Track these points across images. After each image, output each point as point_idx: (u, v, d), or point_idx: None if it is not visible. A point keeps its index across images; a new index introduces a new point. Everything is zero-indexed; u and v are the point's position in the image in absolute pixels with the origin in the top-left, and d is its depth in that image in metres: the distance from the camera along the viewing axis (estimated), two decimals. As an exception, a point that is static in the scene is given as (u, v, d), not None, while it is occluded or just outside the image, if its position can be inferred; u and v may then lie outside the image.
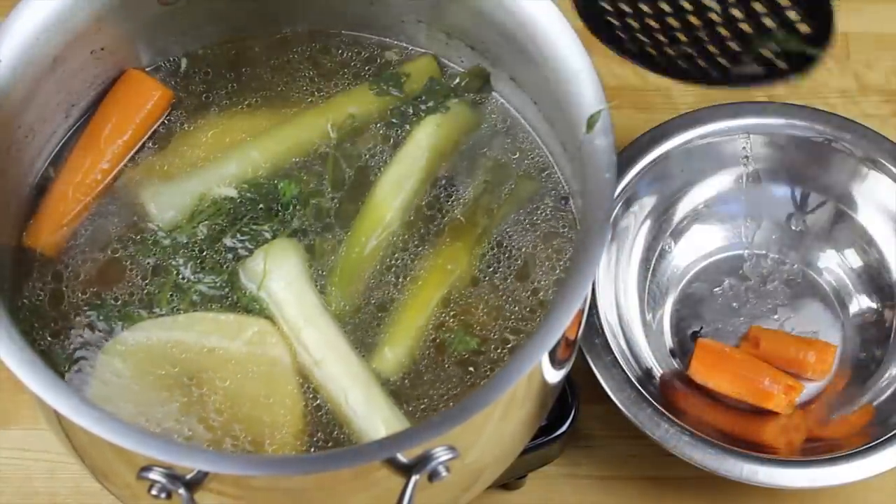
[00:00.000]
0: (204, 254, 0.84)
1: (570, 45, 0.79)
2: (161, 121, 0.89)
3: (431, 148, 0.88)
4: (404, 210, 0.86)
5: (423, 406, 0.80)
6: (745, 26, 0.77)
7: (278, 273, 0.83)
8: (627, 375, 0.95)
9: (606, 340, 0.96)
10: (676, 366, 1.02)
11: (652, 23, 0.78)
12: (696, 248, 1.07)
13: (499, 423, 0.75)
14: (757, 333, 1.02)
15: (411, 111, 0.90)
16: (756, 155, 1.05)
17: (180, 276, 0.83)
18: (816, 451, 0.94)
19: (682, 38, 0.78)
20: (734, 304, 1.05)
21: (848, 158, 1.04)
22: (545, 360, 0.74)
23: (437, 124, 0.89)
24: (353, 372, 0.80)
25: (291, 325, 0.82)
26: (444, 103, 0.90)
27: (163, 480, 0.68)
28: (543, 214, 0.87)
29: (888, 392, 0.99)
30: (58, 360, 0.80)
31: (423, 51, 0.92)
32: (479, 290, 0.84)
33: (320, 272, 0.84)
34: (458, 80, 0.91)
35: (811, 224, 1.07)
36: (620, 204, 1.02)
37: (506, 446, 0.81)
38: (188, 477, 0.68)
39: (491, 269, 0.85)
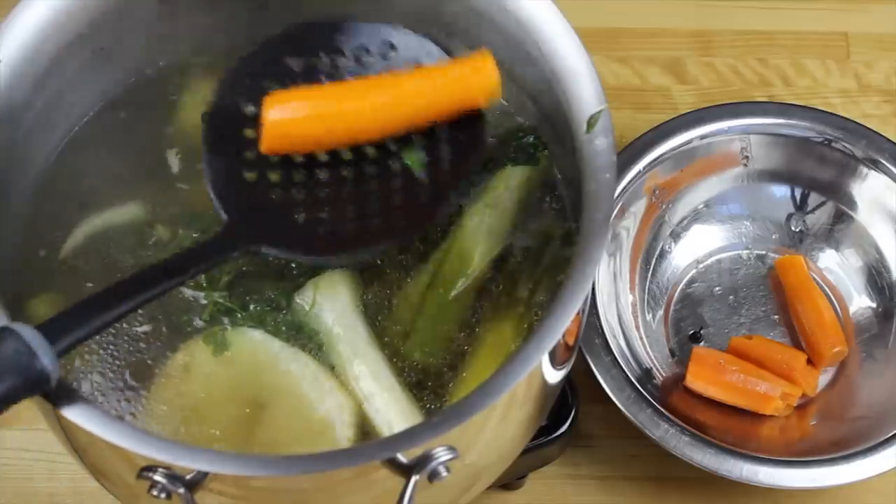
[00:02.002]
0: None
1: (570, 44, 0.79)
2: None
3: (521, 199, 0.85)
4: (487, 264, 0.84)
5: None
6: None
7: (329, 305, 0.82)
8: (627, 375, 0.95)
9: (606, 340, 0.96)
10: (676, 366, 1.02)
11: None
12: (696, 248, 1.07)
13: (499, 423, 0.75)
14: (754, 337, 1.02)
15: (496, 156, 0.86)
16: (756, 155, 1.05)
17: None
18: (816, 451, 0.94)
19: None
20: (734, 305, 1.05)
21: (848, 158, 1.04)
22: (545, 360, 0.73)
23: (528, 176, 0.86)
24: (401, 410, 0.80)
25: (340, 357, 0.81)
26: (535, 155, 0.87)
27: (163, 480, 0.68)
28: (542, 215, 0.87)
29: (888, 392, 0.99)
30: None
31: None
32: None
33: (379, 309, 0.83)
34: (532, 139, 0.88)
35: (811, 224, 1.07)
36: (620, 204, 1.02)
37: (506, 447, 0.81)
38: (188, 477, 0.68)
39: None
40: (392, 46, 0.81)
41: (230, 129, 0.79)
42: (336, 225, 0.77)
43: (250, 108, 0.79)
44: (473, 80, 0.77)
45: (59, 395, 0.67)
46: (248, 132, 0.79)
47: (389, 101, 0.77)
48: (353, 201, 0.78)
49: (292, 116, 0.76)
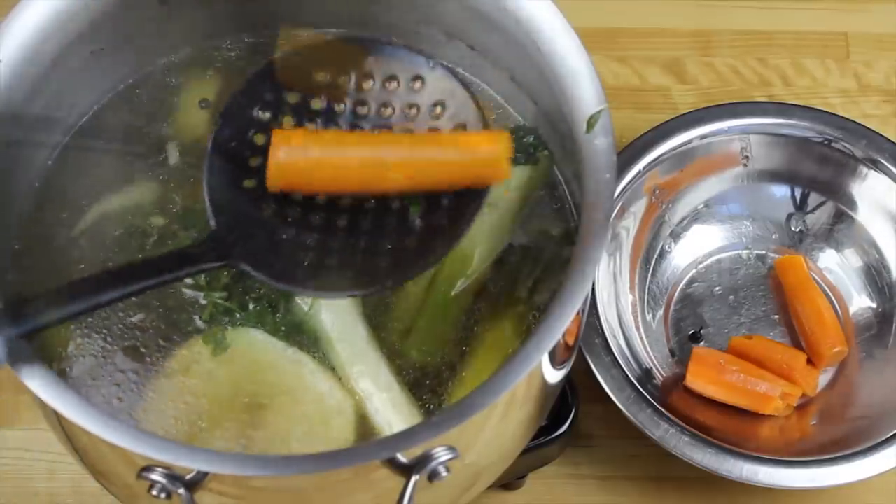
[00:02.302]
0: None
1: (569, 44, 0.79)
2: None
3: (521, 199, 0.85)
4: (487, 263, 0.84)
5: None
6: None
7: (328, 306, 0.81)
8: (627, 375, 0.95)
9: (606, 340, 0.96)
10: (676, 366, 1.02)
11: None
12: (696, 248, 1.07)
13: (499, 423, 0.75)
14: (754, 337, 1.02)
15: None
16: (756, 155, 1.05)
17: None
18: (816, 451, 0.94)
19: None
20: (734, 305, 1.05)
21: (848, 158, 1.04)
22: (545, 360, 0.73)
23: (529, 175, 0.86)
24: (400, 410, 0.80)
25: (340, 356, 0.81)
26: (535, 154, 0.87)
27: (163, 480, 0.68)
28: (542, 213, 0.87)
29: (888, 392, 0.99)
30: (53, 354, 0.80)
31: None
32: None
33: (378, 308, 0.83)
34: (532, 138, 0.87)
35: (811, 224, 1.07)
36: (620, 204, 1.02)
37: (506, 446, 0.81)
38: (188, 477, 0.68)
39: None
40: (422, 80, 0.80)
41: (240, 133, 0.79)
42: (320, 258, 0.77)
43: (266, 114, 0.79)
44: (487, 163, 0.78)
45: (54, 392, 0.68)
46: (259, 138, 0.79)
47: (400, 166, 0.77)
48: (344, 234, 0.78)
49: (298, 168, 0.76)
